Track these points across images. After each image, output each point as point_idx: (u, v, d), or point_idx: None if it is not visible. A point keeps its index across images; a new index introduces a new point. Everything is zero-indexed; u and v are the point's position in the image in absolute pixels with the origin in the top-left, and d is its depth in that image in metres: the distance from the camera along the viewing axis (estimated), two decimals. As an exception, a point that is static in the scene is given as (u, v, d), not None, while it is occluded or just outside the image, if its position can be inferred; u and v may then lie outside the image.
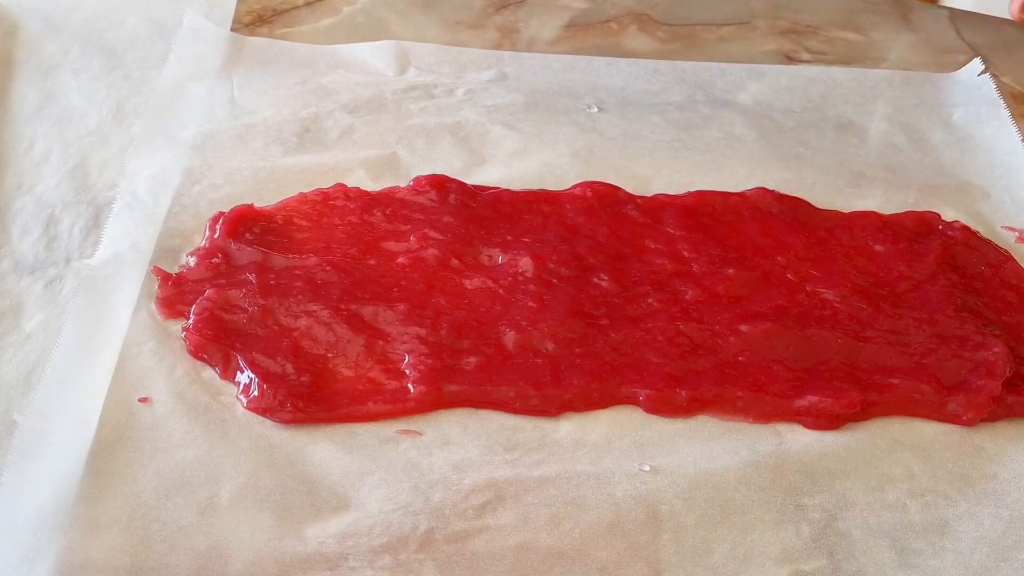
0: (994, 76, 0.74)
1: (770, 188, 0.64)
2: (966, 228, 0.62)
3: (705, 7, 0.81)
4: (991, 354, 0.55)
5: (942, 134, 0.71)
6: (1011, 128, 0.71)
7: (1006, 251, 0.61)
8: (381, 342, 0.54)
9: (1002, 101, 0.72)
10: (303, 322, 0.54)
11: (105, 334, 0.53)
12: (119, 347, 0.53)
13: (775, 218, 0.62)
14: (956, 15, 0.82)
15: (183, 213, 0.60)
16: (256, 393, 0.51)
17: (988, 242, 0.62)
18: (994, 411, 0.53)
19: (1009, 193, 0.66)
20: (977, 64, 0.75)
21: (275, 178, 0.63)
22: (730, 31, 0.78)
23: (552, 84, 0.71)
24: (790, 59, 0.77)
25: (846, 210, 0.64)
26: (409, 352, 0.53)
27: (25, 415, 0.50)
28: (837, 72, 0.75)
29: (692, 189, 0.64)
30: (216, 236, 0.58)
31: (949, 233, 0.62)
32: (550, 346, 0.54)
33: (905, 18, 0.81)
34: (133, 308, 0.55)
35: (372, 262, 0.57)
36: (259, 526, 0.47)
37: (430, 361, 0.53)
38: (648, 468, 0.50)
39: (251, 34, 0.74)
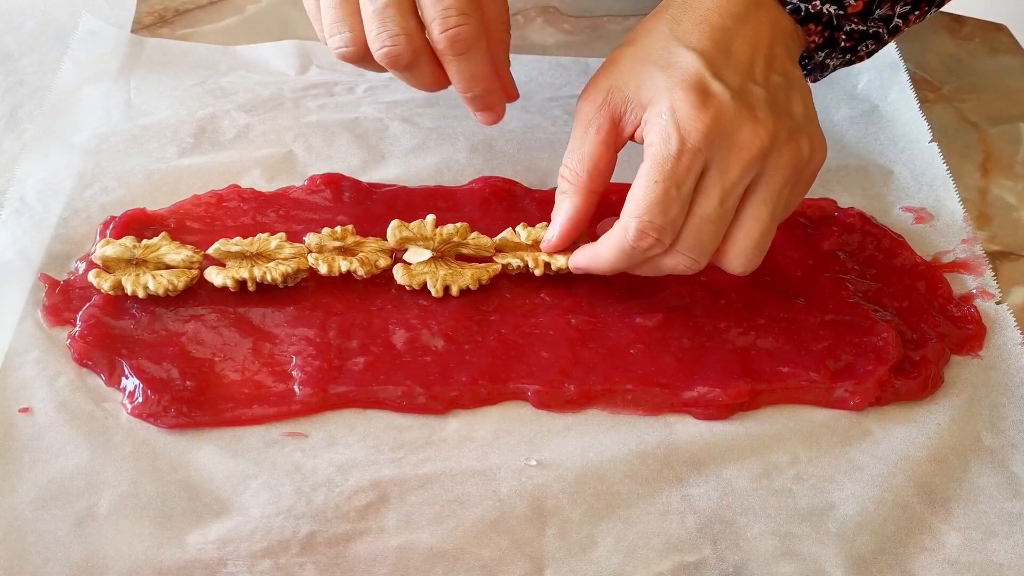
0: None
1: (669, 178, 0.64)
2: (861, 215, 0.63)
3: (611, -2, 0.81)
4: (880, 339, 0.55)
5: (846, 109, 0.71)
6: (910, 94, 0.71)
7: (900, 237, 0.62)
8: (269, 344, 0.53)
9: (902, 63, 0.73)
10: (191, 326, 0.54)
11: (-13, 345, 0.53)
12: (1, 358, 0.52)
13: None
14: None
15: (74, 218, 0.59)
16: (140, 399, 0.51)
17: (883, 229, 0.62)
18: (883, 395, 0.54)
19: (910, 168, 0.67)
20: None
21: (169, 180, 0.62)
22: (636, 22, 0.77)
23: (454, 79, 0.71)
24: (696, 49, 0.77)
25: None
26: (297, 354, 0.53)
27: (-100, 429, 0.49)
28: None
29: (592, 182, 0.64)
30: (106, 241, 0.57)
31: (845, 220, 0.62)
32: (440, 343, 0.54)
33: None
34: (19, 317, 0.54)
35: (263, 263, 0.57)
36: (138, 534, 0.46)
37: (317, 363, 0.52)
38: (535, 463, 0.50)
39: (152, 35, 0.73)
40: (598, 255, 0.52)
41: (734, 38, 0.51)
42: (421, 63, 0.52)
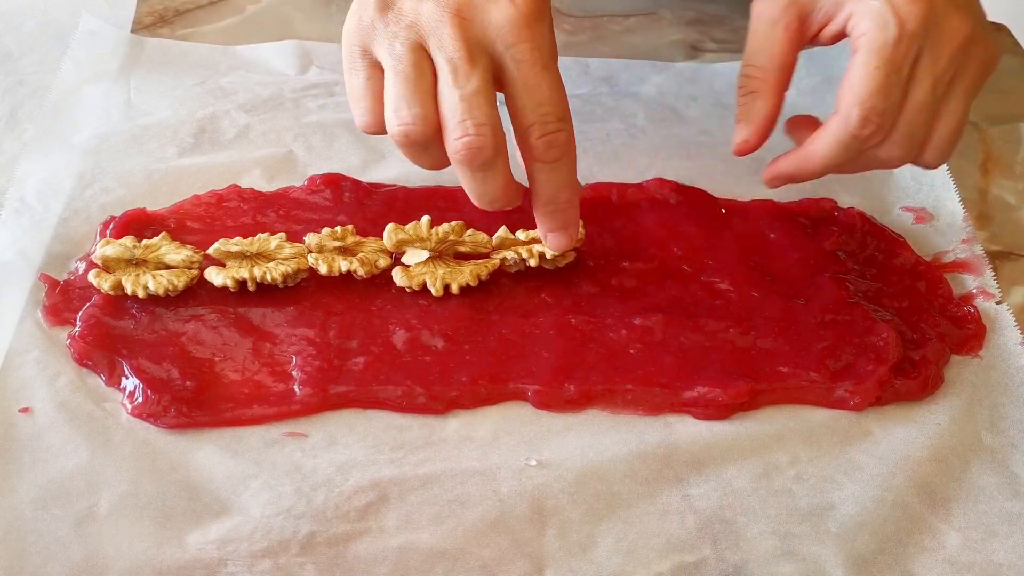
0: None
1: (669, 178, 0.64)
2: (861, 214, 0.63)
3: (612, -2, 0.81)
4: (879, 339, 0.55)
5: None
6: None
7: (900, 236, 0.62)
8: (269, 344, 0.53)
9: None
10: (191, 326, 0.54)
11: (-13, 346, 0.53)
12: (1, 358, 0.52)
13: (672, 208, 0.62)
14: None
15: (74, 218, 0.59)
16: (140, 399, 0.51)
17: (883, 228, 0.62)
18: (883, 396, 0.54)
19: (910, 168, 0.66)
20: None
21: (169, 180, 0.62)
22: (636, 22, 0.78)
23: (454, 79, 0.71)
24: (696, 49, 0.77)
25: (746, 198, 0.64)
26: (297, 354, 0.53)
27: (-99, 429, 0.49)
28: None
29: (591, 181, 0.64)
30: (106, 241, 0.57)
31: (845, 220, 0.62)
32: (440, 343, 0.54)
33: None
34: (19, 317, 0.54)
35: (264, 263, 0.57)
36: (138, 534, 0.46)
37: (317, 363, 0.52)
38: (535, 463, 0.50)
39: (152, 35, 0.73)
40: (811, 153, 0.52)
41: None
42: (497, 160, 0.49)
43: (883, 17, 0.50)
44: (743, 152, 0.55)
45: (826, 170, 0.53)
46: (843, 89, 0.51)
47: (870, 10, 0.51)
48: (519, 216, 0.60)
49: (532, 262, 0.56)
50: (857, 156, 0.52)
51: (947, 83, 0.51)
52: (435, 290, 0.55)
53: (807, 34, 0.54)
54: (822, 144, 0.52)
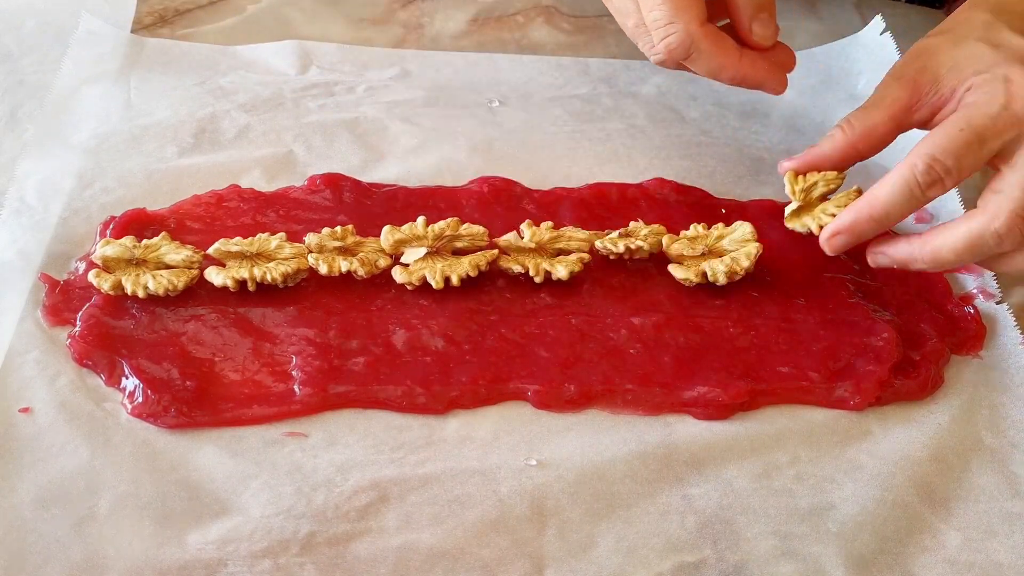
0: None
1: (669, 178, 0.64)
2: (861, 214, 0.62)
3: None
4: (879, 339, 0.55)
5: (846, 109, 0.70)
6: None
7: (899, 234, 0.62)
8: (269, 344, 0.53)
9: None
10: (191, 326, 0.54)
11: (-13, 345, 0.53)
12: (1, 358, 0.52)
13: (672, 208, 0.62)
14: (861, 2, 0.82)
15: (74, 218, 0.59)
16: (140, 399, 0.51)
17: (883, 228, 0.62)
18: (883, 395, 0.54)
19: None
20: (878, 22, 0.74)
21: (169, 180, 0.62)
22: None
23: (454, 80, 0.71)
24: (696, 49, 0.76)
25: (745, 198, 0.64)
26: (297, 354, 0.53)
27: (-99, 429, 0.49)
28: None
29: (591, 181, 0.64)
30: (106, 241, 0.57)
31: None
32: (440, 344, 0.54)
33: (811, 5, 0.81)
34: (19, 317, 0.54)
35: (264, 263, 0.57)
36: (139, 534, 0.46)
37: (317, 363, 0.52)
38: (535, 463, 0.50)
39: (152, 35, 0.73)
40: (875, 196, 0.53)
41: None
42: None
43: (993, 92, 0.51)
44: (782, 170, 0.58)
45: (887, 217, 0.53)
46: (921, 141, 0.52)
47: (983, 86, 0.51)
48: (520, 215, 0.60)
49: (538, 279, 0.56)
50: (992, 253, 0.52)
51: None
52: (435, 283, 0.55)
53: (913, 115, 0.55)
54: (886, 186, 0.52)
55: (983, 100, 0.51)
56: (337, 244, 0.56)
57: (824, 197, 0.57)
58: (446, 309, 0.55)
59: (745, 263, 0.56)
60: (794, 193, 0.57)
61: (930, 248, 0.52)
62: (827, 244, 0.55)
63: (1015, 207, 0.49)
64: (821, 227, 0.56)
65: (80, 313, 0.54)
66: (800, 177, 0.57)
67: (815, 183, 0.57)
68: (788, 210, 0.58)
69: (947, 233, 0.51)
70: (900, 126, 0.55)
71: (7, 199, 0.60)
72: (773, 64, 0.58)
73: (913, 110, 0.54)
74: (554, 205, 0.61)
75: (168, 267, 0.55)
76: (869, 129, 0.55)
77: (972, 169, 0.51)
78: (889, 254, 0.55)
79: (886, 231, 0.55)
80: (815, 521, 0.49)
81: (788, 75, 0.73)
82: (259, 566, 0.46)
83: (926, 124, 0.55)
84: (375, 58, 0.72)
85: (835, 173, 0.57)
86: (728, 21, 0.58)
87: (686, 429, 0.52)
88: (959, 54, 0.53)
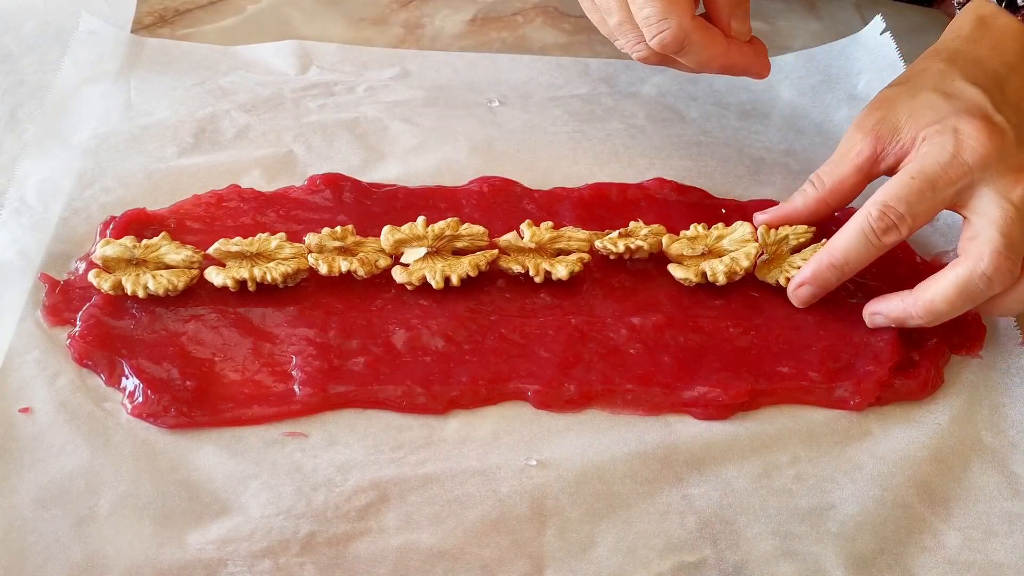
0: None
1: (669, 178, 0.64)
2: (860, 213, 0.63)
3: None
4: (880, 339, 0.55)
5: (847, 109, 0.71)
6: None
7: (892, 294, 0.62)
8: (269, 344, 0.53)
9: (902, 62, 0.72)
10: (191, 326, 0.54)
11: (-13, 346, 0.53)
12: (1, 358, 0.52)
13: (672, 208, 0.62)
14: (861, 2, 0.82)
15: (74, 218, 0.59)
16: (140, 399, 0.51)
17: (882, 227, 0.62)
18: (883, 395, 0.54)
19: None
20: (878, 22, 0.74)
21: (169, 180, 0.62)
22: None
23: (454, 80, 0.71)
24: (696, 48, 0.76)
25: (745, 198, 0.64)
26: (297, 354, 0.53)
27: (-99, 429, 0.49)
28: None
29: (591, 181, 0.64)
30: (106, 241, 0.57)
31: (844, 220, 0.62)
32: (440, 344, 0.54)
33: (811, 5, 0.82)
34: (19, 317, 0.54)
35: (263, 263, 0.57)
36: (138, 534, 0.46)
37: (317, 363, 0.52)
38: (535, 463, 0.50)
39: (152, 35, 0.73)
40: (834, 244, 0.55)
41: (1007, 82, 0.56)
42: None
43: (943, 142, 0.53)
44: (757, 223, 0.59)
45: (846, 262, 0.54)
46: (877, 192, 0.54)
47: (935, 136, 0.53)
48: (520, 215, 0.60)
49: (537, 279, 0.56)
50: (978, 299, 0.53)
51: None
52: (435, 283, 0.55)
53: (879, 165, 0.56)
54: (843, 233, 0.54)
55: (935, 150, 0.53)
56: (337, 244, 0.56)
57: (796, 250, 0.58)
58: (446, 309, 0.55)
59: (745, 263, 0.57)
60: (765, 246, 0.58)
61: (923, 302, 0.53)
62: (794, 296, 0.57)
63: (995, 247, 0.51)
64: (788, 279, 0.57)
65: (80, 313, 0.54)
66: (772, 231, 0.58)
67: (785, 236, 0.58)
68: (759, 262, 0.58)
69: (936, 285, 0.53)
70: (867, 176, 0.57)
71: (7, 199, 0.60)
72: (755, 50, 0.59)
73: (878, 160, 0.56)
74: (554, 205, 0.61)
75: (168, 267, 0.55)
76: (837, 183, 0.57)
77: (927, 216, 0.53)
78: (884, 313, 0.55)
79: (883, 294, 0.56)
80: (815, 521, 0.49)
81: (787, 76, 0.74)
82: (259, 566, 0.46)
83: (892, 172, 0.56)
84: (375, 58, 0.72)
85: (804, 227, 0.58)
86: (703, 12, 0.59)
87: (686, 429, 0.52)
88: (915, 104, 0.55)
